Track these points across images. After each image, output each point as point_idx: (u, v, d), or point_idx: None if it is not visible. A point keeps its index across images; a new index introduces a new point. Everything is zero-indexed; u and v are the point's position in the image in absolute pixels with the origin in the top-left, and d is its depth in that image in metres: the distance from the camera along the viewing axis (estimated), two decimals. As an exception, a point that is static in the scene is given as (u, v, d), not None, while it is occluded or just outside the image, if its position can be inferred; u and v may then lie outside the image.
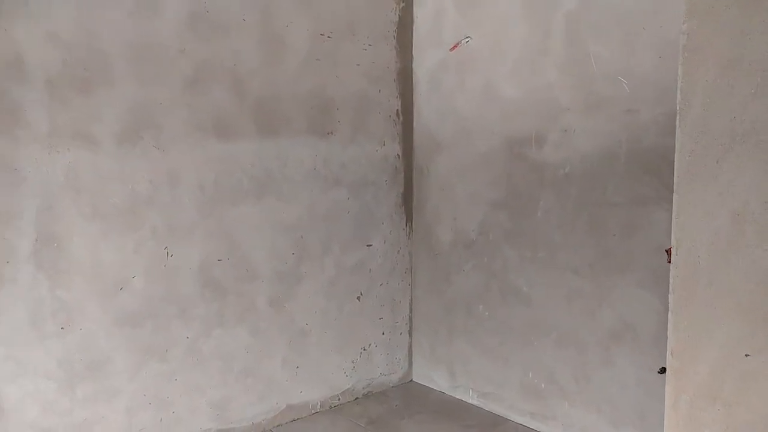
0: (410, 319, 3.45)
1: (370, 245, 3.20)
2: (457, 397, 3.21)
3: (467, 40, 2.97)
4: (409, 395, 3.31)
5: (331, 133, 2.97)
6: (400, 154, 3.29)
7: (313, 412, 3.04)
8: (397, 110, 3.25)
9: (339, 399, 3.14)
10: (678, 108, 1.25)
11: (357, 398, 3.23)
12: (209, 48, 2.52)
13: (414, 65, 3.28)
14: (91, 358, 2.34)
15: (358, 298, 3.18)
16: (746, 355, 1.17)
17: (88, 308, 2.32)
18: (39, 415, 2.22)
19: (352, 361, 3.20)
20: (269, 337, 2.85)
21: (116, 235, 2.36)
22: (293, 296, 2.91)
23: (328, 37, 2.92)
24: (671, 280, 1.28)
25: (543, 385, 2.78)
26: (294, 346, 2.94)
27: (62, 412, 2.27)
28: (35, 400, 2.21)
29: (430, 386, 3.38)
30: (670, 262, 1.29)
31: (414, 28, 3.26)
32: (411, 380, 3.49)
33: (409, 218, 3.37)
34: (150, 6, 2.35)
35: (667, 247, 1.31)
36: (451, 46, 3.05)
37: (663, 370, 1.33)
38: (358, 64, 3.05)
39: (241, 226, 2.69)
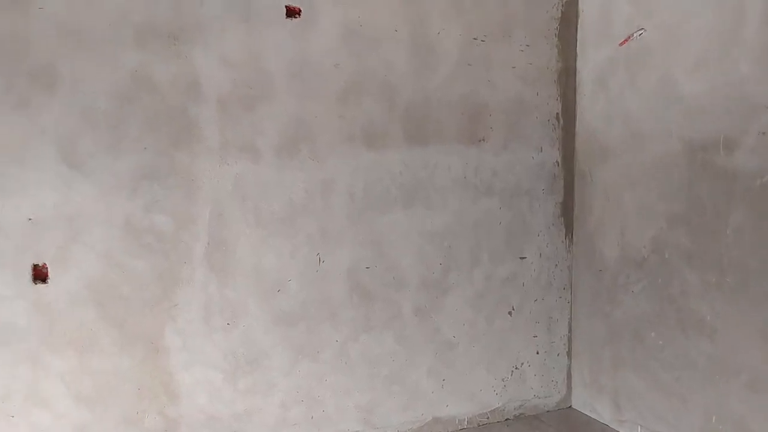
0: (569, 339, 3.17)
1: (524, 258, 3.01)
2: (622, 432, 2.87)
3: (640, 32, 2.64)
4: (568, 423, 3.03)
5: (483, 139, 2.86)
6: (560, 161, 3.04)
7: (460, 428, 2.94)
8: (557, 113, 3.01)
9: (488, 417, 3.00)
10: None
11: (507, 419, 3.05)
12: (361, 61, 2.58)
13: (578, 64, 3.01)
14: (252, 353, 2.53)
15: (510, 312, 3.01)
16: None
17: (249, 307, 2.51)
18: (207, 402, 2.46)
19: (503, 379, 3.03)
20: (415, 346, 2.82)
21: (275, 241, 2.53)
22: (440, 306, 2.85)
23: (482, 40, 2.81)
24: None
25: (730, 434, 2.34)
26: (440, 357, 2.88)
27: (226, 401, 2.49)
28: (204, 388, 2.45)
29: (591, 416, 3.07)
30: None
31: (579, 23, 3.00)
32: (570, 406, 3.20)
33: (568, 230, 3.10)
34: (308, 26, 2.48)
35: None
36: (622, 41, 2.74)
37: None
38: (514, 67, 2.89)
39: (389, 233, 2.71)
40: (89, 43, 2.18)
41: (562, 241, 3.09)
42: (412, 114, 2.70)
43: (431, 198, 2.78)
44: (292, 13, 2.44)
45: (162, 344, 2.39)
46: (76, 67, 2.18)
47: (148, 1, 2.24)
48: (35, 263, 2.19)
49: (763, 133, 2.16)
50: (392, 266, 2.74)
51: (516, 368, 3.06)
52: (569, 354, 3.18)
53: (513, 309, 3.01)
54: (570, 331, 3.16)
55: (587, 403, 3.09)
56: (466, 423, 2.96)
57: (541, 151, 2.99)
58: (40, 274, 2.20)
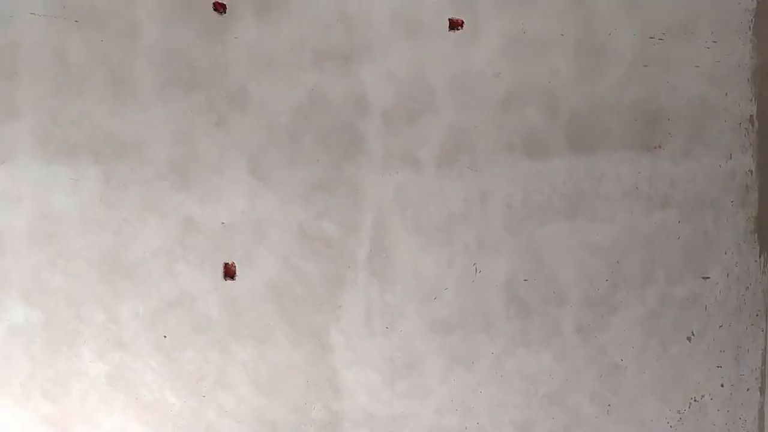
0: (762, 374, 2.75)
1: (707, 278, 2.69)
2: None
3: None
4: (759, 470, 2.64)
5: (659, 146, 2.62)
6: (753, 170, 2.67)
7: (625, 459, 2.72)
8: (751, 116, 2.66)
9: (659, 452, 2.73)
10: None
11: (683, 456, 2.74)
12: (523, 68, 2.54)
13: (778, 59, 2.63)
14: (408, 357, 2.60)
15: (689, 338, 2.71)
16: None
17: (407, 313, 2.59)
18: (367, 401, 2.58)
19: (678, 411, 2.73)
20: (576, 366, 2.67)
21: (433, 249, 2.58)
22: (605, 326, 2.66)
23: (660, 39, 2.59)
24: None
25: None
26: (605, 380, 2.69)
27: (384, 402, 2.59)
28: (364, 387, 2.57)
29: (791, 466, 2.63)
30: None
31: (779, 12, 2.62)
32: (762, 451, 2.77)
33: (764, 248, 2.70)
34: (470, 37, 2.51)
35: None
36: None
37: None
38: (697, 66, 2.61)
39: (549, 245, 2.61)
40: (274, 67, 2.45)
41: (756, 261, 2.71)
42: (578, 121, 2.58)
43: (597, 209, 2.62)
44: (454, 25, 2.49)
45: (328, 342, 2.56)
46: (263, 88, 2.45)
47: (324, 27, 2.45)
48: (226, 262, 2.49)
49: None
50: (552, 280, 2.63)
51: (695, 400, 2.74)
52: (762, 390, 2.76)
53: (692, 334, 2.70)
54: (764, 363, 2.75)
55: (787, 450, 2.66)
56: (633, 455, 2.72)
57: (731, 158, 2.65)
58: (229, 272, 2.50)
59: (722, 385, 2.73)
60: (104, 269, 2.41)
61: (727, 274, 2.69)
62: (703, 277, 2.68)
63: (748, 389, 2.74)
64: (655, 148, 2.62)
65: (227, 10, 2.40)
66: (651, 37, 2.58)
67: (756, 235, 2.69)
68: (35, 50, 2.31)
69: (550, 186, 2.59)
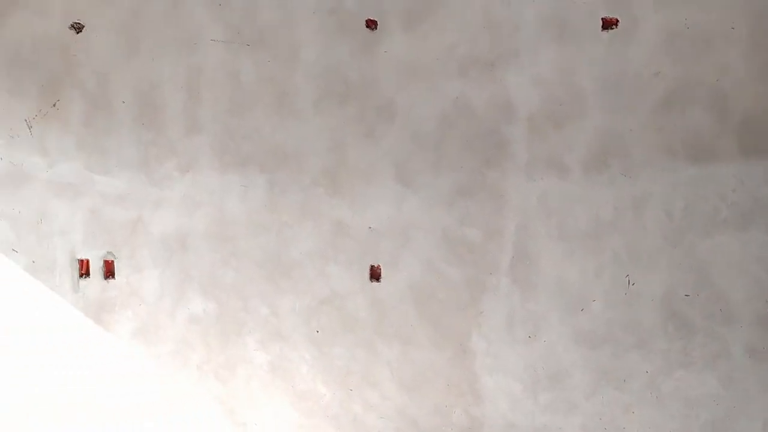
0: None
1: None
2: None
3: None
4: None
5: None
6: None
7: (808, 503, 2.39)
8: None
9: None
10: None
11: None
12: (686, 67, 2.35)
13: None
14: (552, 369, 2.53)
15: None
16: None
17: (551, 322, 2.52)
18: (508, 409, 2.56)
19: None
20: (746, 391, 2.41)
21: (579, 257, 2.49)
22: (784, 350, 2.37)
23: None
24: None
25: None
26: (782, 412, 2.39)
27: (525, 412, 2.54)
28: (505, 395, 2.56)
29: None
30: None
31: None
32: None
33: None
34: (626, 35, 2.39)
35: None
36: None
37: None
38: None
39: (715, 259, 2.39)
40: (420, 77, 2.53)
41: None
42: (752, 123, 2.33)
43: (775, 219, 2.34)
44: (608, 24, 2.38)
45: (469, 346, 2.58)
46: (410, 98, 2.55)
47: (471, 35, 2.49)
48: (372, 264, 2.63)
49: None
50: (718, 296, 2.40)
51: None
52: None
53: None
54: None
55: None
56: (818, 500, 2.38)
57: None
58: (375, 274, 2.63)
59: None
60: (268, 268, 2.66)
61: None
62: None
63: None
64: None
65: (378, 26, 2.53)
66: None
67: None
68: (214, 72, 2.62)
69: (717, 194, 2.36)
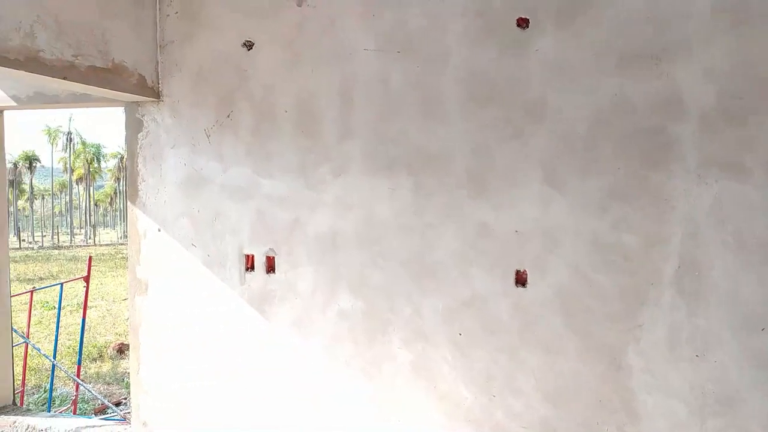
0: None
1: None
2: None
3: None
4: None
5: None
6: None
7: None
8: None
9: None
10: None
11: None
12: None
13: None
14: (723, 392, 2.27)
15: None
16: None
17: (723, 340, 2.26)
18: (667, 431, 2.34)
19: None
20: None
21: (759, 270, 2.20)
22: None
23: None
24: None
25: None
26: None
27: (690, 437, 2.31)
28: (666, 416, 2.34)
29: None
30: None
31: None
32: None
33: None
34: (822, 14, 2.07)
35: None
36: None
37: None
38: None
39: None
40: (574, 74, 2.42)
41: None
42: None
43: None
44: (800, 5, 2.08)
45: (624, 362, 2.41)
46: (561, 97, 2.45)
47: (631, 28, 2.32)
48: (518, 269, 2.56)
49: None
50: None
51: None
52: None
53: None
54: None
55: None
56: None
57: None
58: (521, 279, 2.56)
59: None
60: (412, 268, 2.72)
61: None
62: None
63: None
64: None
65: (529, 25, 2.47)
66: None
67: None
68: (366, 80, 2.75)
69: None
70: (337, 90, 2.79)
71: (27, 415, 3.59)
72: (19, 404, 3.91)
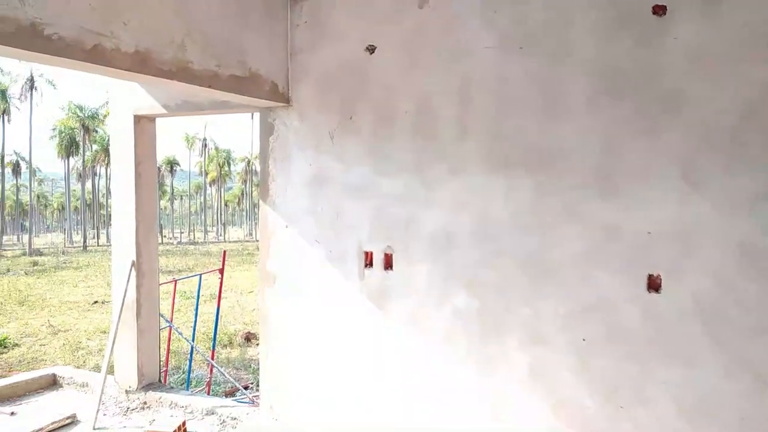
0: None
1: None
2: None
3: None
4: None
5: None
6: None
7: None
8: None
9: None
10: None
11: None
12: None
13: None
14: None
15: None
16: None
17: None
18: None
19: None
20: None
21: None
22: None
23: None
24: None
25: None
26: None
27: None
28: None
29: None
30: None
31: None
32: None
33: None
34: None
35: None
36: None
37: None
38: None
39: None
40: (717, 63, 2.22)
41: None
42: None
43: None
44: None
45: (774, 379, 2.17)
46: (702, 88, 2.26)
47: (788, 6, 2.09)
48: (650, 273, 2.40)
49: None
50: None
51: None
52: None
53: None
54: None
55: None
56: None
57: None
58: (654, 284, 2.39)
59: None
60: (530, 269, 2.66)
61: None
62: None
63: None
64: None
65: (667, 12, 2.31)
66: None
67: None
68: (484, 78, 2.73)
69: None
70: (455, 89, 2.80)
71: (170, 392, 4.00)
72: (162, 382, 4.37)
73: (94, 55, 2.20)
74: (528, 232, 2.67)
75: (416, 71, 2.90)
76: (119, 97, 3.99)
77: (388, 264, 3.04)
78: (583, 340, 2.54)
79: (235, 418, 3.58)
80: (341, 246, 3.18)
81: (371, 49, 3.01)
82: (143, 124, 3.99)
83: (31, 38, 1.98)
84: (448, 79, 2.82)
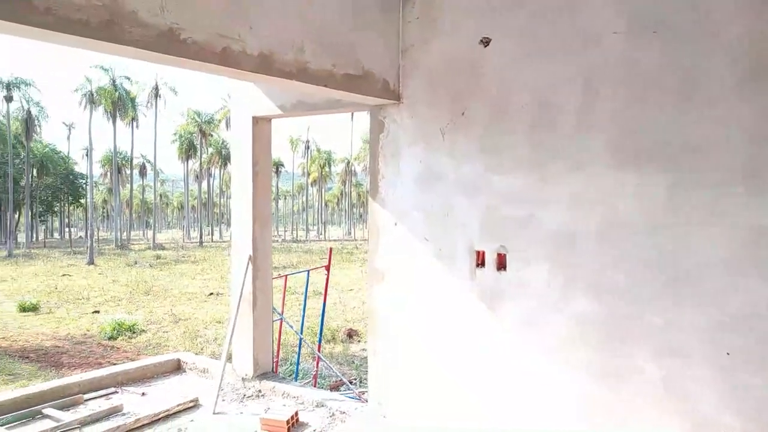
0: None
1: None
2: None
3: None
4: None
5: None
6: None
7: None
8: None
9: None
10: None
11: None
12: None
13: None
14: None
15: None
16: None
17: None
18: None
19: None
20: None
21: None
22: None
23: None
24: None
25: None
26: None
27: None
28: None
29: None
30: None
31: None
32: None
33: None
34: None
35: None
36: None
37: None
38: None
39: None
40: None
41: None
42: None
43: None
44: None
45: None
46: None
47: None
48: (811, 281, 2.10)
49: None
50: None
51: None
52: None
53: None
54: None
55: None
56: None
57: None
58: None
59: None
60: (664, 274, 2.43)
61: None
62: None
63: None
64: None
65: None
66: None
67: None
68: (613, 66, 2.54)
69: None
70: (579, 79, 2.63)
71: (282, 383, 4.15)
72: (274, 372, 4.55)
73: (223, 57, 2.31)
74: (661, 234, 2.45)
75: (534, 62, 2.76)
76: (239, 101, 4.21)
77: (501, 264, 2.93)
78: (728, 354, 2.28)
79: (344, 412, 3.63)
80: (451, 244, 3.12)
81: (486, 42, 2.91)
82: (261, 125, 4.18)
83: (169, 42, 2.11)
84: (570, 69, 2.66)
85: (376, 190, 3.43)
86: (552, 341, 2.76)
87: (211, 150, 48.72)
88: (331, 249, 6.04)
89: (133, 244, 40.91)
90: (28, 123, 35.80)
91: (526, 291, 2.84)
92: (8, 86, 34.10)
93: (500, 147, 2.90)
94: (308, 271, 5.50)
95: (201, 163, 48.52)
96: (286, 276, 5.37)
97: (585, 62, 2.61)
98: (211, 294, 15.10)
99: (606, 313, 2.60)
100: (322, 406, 3.77)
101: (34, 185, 41.16)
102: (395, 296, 3.36)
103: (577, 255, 2.68)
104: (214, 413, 3.78)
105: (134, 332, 10.24)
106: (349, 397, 4.24)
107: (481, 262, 3.01)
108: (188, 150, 46.81)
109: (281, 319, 4.98)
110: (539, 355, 2.80)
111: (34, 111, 36.05)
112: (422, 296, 3.24)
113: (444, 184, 3.13)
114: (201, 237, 45.09)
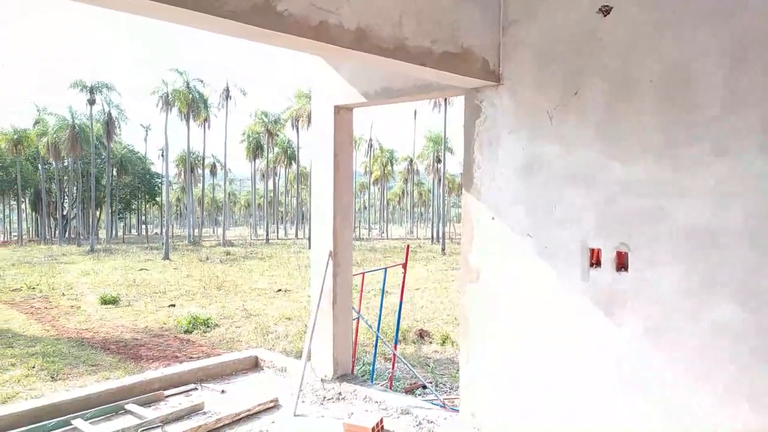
0: None
1: None
2: None
3: None
4: None
5: None
6: None
7: None
8: None
9: None
10: None
11: None
12: None
13: None
14: None
15: None
16: None
17: None
18: None
19: None
20: None
21: None
22: None
23: None
24: None
25: None
26: None
27: None
28: None
29: None
30: None
31: None
32: None
33: None
34: None
35: None
36: None
37: None
38: None
39: None
40: None
41: None
42: None
43: None
44: None
45: None
46: None
47: None
48: None
49: None
50: None
51: None
52: None
53: None
54: None
55: None
56: None
57: None
58: None
59: None
60: (840, 277, 2.01)
61: None
62: None
63: None
64: None
65: None
66: None
67: None
68: (766, 32, 2.14)
69: None
70: (723, 49, 2.24)
71: (363, 386, 3.94)
72: (351, 372, 4.36)
73: (319, 31, 2.10)
74: (829, 230, 2.03)
75: (666, 32, 2.39)
76: (320, 90, 4.03)
77: (622, 264, 2.57)
78: None
79: (432, 422, 3.37)
80: (558, 241, 2.78)
81: (605, 11, 2.56)
82: (342, 114, 3.98)
83: (264, 14, 1.92)
84: (712, 39, 2.27)
85: (470, 181, 3.14)
86: (684, 354, 2.39)
87: (277, 149, 49.79)
88: (408, 246, 5.79)
89: (204, 241, 42.47)
90: (109, 125, 37.81)
91: (653, 295, 2.47)
92: (91, 90, 36.14)
93: (623, 130, 2.54)
94: (385, 269, 5.28)
95: (267, 162, 49.68)
96: (363, 273, 5.17)
97: (730, 30, 2.22)
98: (279, 290, 15.26)
99: (757, 323, 2.20)
100: (407, 413, 3.53)
101: (114, 184, 43.54)
102: (491, 297, 3.06)
103: (719, 254, 2.29)
104: (294, 415, 3.62)
105: (209, 326, 10.41)
106: (434, 404, 3.97)
107: (595, 261, 2.66)
108: (255, 150, 48.04)
109: (359, 317, 4.79)
110: (666, 369, 2.43)
111: (114, 113, 38.06)
112: (523, 298, 2.93)
113: (550, 174, 2.80)
114: (267, 234, 46.19)
